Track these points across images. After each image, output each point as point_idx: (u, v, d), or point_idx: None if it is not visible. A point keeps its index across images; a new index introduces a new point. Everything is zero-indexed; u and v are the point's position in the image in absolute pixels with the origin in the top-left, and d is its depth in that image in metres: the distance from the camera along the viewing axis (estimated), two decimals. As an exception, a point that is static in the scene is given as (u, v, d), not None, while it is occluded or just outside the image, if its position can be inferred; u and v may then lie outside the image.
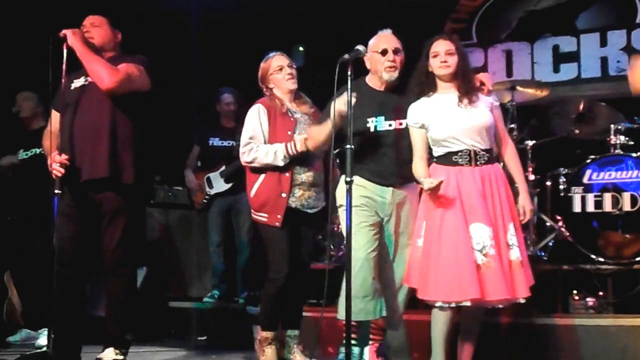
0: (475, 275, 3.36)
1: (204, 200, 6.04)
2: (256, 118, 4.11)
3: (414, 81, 3.72)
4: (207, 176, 6.03)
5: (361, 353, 3.92)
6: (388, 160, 3.81)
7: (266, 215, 4.05)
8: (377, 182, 3.81)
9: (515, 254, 3.48)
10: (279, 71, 4.17)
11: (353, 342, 3.79)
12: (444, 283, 3.40)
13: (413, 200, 3.83)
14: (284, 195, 4.02)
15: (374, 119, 3.81)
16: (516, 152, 3.77)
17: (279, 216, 4.01)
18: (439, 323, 3.52)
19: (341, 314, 3.61)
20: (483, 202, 3.48)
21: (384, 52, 3.80)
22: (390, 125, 3.82)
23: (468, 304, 3.40)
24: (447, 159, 3.59)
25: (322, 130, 3.80)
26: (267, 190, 4.05)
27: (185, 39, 6.81)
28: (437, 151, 3.65)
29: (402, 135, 3.78)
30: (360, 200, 3.73)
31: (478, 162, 3.55)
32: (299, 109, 4.20)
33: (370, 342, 3.95)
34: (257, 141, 4.08)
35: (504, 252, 3.45)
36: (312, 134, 3.93)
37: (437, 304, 3.48)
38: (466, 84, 3.61)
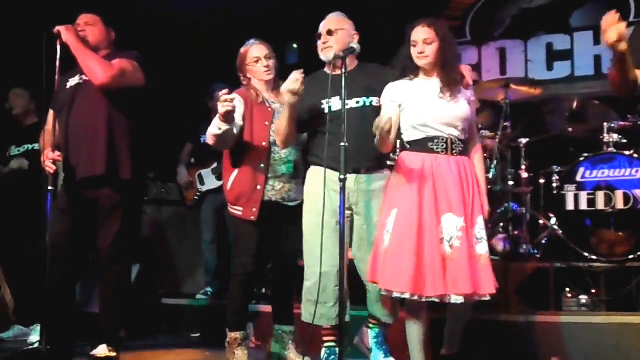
0: (441, 271, 3.29)
1: (195, 197, 6.02)
2: None
3: (396, 64, 3.63)
4: (198, 172, 6.01)
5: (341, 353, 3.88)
6: (348, 143, 3.44)
7: (241, 208, 3.98)
8: (338, 168, 3.40)
9: (484, 248, 3.42)
10: (255, 63, 4.11)
11: (332, 344, 3.79)
12: (410, 275, 3.29)
13: (381, 187, 3.69)
14: (259, 187, 3.95)
15: (328, 99, 3.68)
16: (482, 152, 3.74)
17: (254, 209, 3.94)
18: (414, 324, 3.46)
19: (304, 316, 3.81)
20: (459, 191, 3.42)
21: (319, 36, 3.83)
22: (346, 104, 3.65)
23: (436, 300, 3.32)
24: (423, 145, 3.50)
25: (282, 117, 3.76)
26: (242, 183, 3.98)
27: (180, 36, 6.80)
28: (412, 135, 3.54)
29: (361, 116, 3.68)
30: (322, 191, 3.52)
31: (454, 152, 3.49)
32: (277, 99, 4.08)
33: (370, 327, 3.90)
34: None
35: (472, 245, 3.39)
36: (275, 125, 3.87)
37: (394, 295, 3.37)
38: (448, 73, 3.51)
